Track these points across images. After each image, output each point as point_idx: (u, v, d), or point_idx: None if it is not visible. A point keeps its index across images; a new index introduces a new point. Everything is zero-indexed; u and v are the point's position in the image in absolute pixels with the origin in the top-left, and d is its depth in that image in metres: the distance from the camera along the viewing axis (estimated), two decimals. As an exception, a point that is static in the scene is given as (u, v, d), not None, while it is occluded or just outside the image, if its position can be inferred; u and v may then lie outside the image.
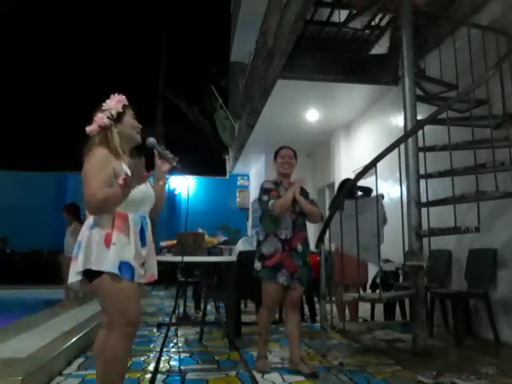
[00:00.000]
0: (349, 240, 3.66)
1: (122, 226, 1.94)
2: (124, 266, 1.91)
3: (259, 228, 3.23)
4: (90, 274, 1.92)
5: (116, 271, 1.88)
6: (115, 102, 2.12)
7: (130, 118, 2.13)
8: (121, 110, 2.10)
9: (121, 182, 1.84)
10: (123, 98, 2.16)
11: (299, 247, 3.08)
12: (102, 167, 1.94)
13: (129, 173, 1.91)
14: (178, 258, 4.30)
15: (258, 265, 3.09)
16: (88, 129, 2.09)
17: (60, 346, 3.17)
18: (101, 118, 2.07)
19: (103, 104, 2.11)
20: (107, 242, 1.91)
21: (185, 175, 2.30)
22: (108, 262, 1.89)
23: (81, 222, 5.36)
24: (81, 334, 3.65)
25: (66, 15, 15.90)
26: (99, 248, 1.91)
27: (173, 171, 2.21)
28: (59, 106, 15.04)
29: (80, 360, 3.30)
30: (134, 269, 1.94)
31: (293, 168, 3.28)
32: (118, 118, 2.09)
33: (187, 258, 4.29)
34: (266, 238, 3.10)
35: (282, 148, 3.34)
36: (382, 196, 4.28)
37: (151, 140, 2.14)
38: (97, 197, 1.87)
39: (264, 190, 3.15)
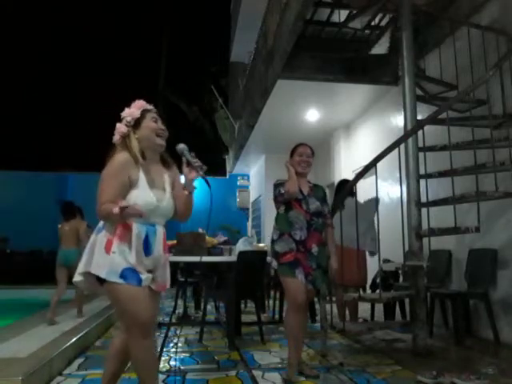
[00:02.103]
0: (348, 233, 3.70)
1: (124, 235, 1.94)
2: (127, 272, 1.92)
3: (274, 227, 3.10)
4: (99, 277, 1.94)
5: (117, 279, 1.90)
6: (132, 109, 2.12)
7: (149, 122, 2.10)
8: (138, 116, 2.10)
9: (115, 210, 1.81)
10: (142, 103, 2.15)
11: (314, 249, 2.96)
12: (115, 176, 1.96)
13: (146, 184, 1.98)
14: (177, 258, 4.31)
15: (274, 263, 3.00)
16: (113, 139, 2.11)
17: (60, 346, 3.17)
18: (119, 127, 2.09)
19: (122, 113, 2.12)
20: (107, 248, 1.93)
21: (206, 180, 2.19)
22: (106, 269, 1.90)
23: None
24: (81, 334, 3.65)
25: (67, 15, 15.89)
26: (100, 253, 1.93)
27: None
28: (59, 106, 15.05)
29: (80, 360, 3.30)
30: (140, 273, 1.94)
31: (310, 167, 3.18)
32: (135, 124, 2.09)
33: (188, 258, 4.30)
34: (280, 237, 2.99)
35: (299, 145, 3.21)
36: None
37: (180, 146, 2.09)
38: (100, 212, 1.91)
39: (275, 186, 3.08)
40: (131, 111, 2.10)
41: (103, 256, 1.92)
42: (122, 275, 1.90)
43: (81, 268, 1.96)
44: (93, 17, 15.96)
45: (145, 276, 1.96)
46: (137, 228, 1.96)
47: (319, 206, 3.06)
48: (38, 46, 15.54)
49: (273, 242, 3.04)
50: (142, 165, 2.02)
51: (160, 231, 2.07)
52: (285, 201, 3.00)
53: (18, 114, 14.98)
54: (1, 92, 13.73)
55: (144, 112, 2.11)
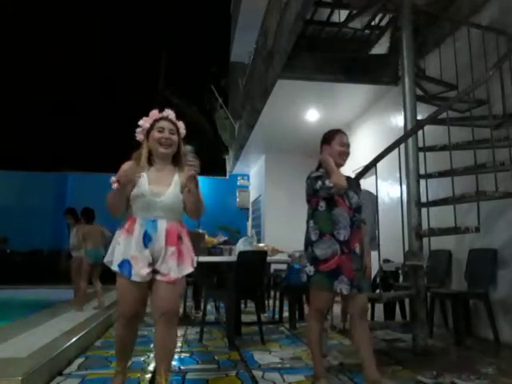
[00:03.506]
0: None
1: (130, 228, 2.24)
2: (123, 263, 2.21)
3: (311, 226, 2.71)
4: None
5: (116, 268, 2.22)
6: (145, 120, 2.37)
7: (154, 133, 2.32)
8: (147, 126, 2.36)
9: (114, 186, 2.16)
10: (154, 113, 2.38)
11: (357, 248, 2.69)
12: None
13: (146, 183, 2.26)
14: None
15: (310, 268, 2.63)
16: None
17: (60, 346, 3.17)
18: (137, 134, 2.39)
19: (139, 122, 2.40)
20: (116, 240, 2.28)
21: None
22: (111, 258, 2.25)
23: (81, 223, 5.56)
24: (81, 334, 3.65)
25: (67, 15, 15.89)
26: (113, 244, 2.29)
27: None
28: (59, 107, 15.05)
29: (80, 360, 3.30)
30: (132, 267, 2.19)
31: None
32: (147, 134, 2.36)
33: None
34: (321, 238, 2.63)
35: (338, 132, 2.84)
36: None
37: (186, 148, 2.31)
38: (108, 203, 2.24)
39: (315, 178, 2.68)
40: (144, 123, 2.37)
41: (113, 247, 2.27)
42: (120, 265, 2.21)
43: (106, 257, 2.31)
44: (93, 17, 15.97)
45: (138, 270, 2.18)
46: (139, 222, 2.24)
47: (358, 200, 2.76)
48: (38, 46, 15.54)
49: (311, 243, 2.66)
50: (147, 168, 2.31)
51: (162, 225, 2.25)
52: (329, 196, 2.64)
53: (18, 113, 14.98)
54: (1, 92, 13.73)
55: (154, 122, 2.35)
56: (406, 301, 4.59)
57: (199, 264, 4.75)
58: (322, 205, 2.68)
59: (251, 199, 12.69)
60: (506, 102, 3.76)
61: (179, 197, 2.31)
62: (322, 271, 2.58)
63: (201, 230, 4.98)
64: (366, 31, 5.47)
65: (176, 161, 2.39)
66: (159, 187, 2.27)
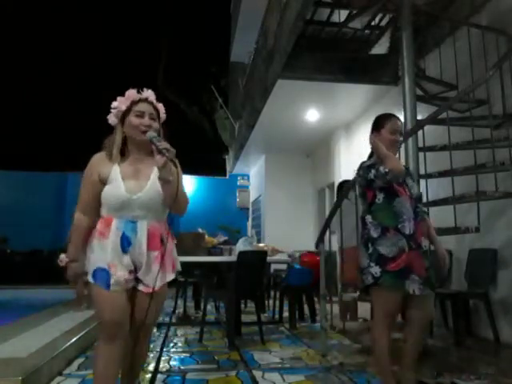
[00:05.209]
0: (348, 232, 3.70)
1: (104, 231, 1.91)
2: (98, 272, 1.88)
3: (370, 222, 2.41)
4: None
5: (91, 280, 1.89)
6: (121, 101, 2.00)
7: (132, 118, 1.96)
8: (123, 109, 1.98)
9: (60, 263, 1.91)
10: (131, 94, 2.00)
11: (424, 243, 2.42)
12: (86, 178, 1.99)
13: (118, 177, 1.92)
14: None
15: (375, 269, 2.29)
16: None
17: (60, 346, 3.17)
18: (109, 117, 2.03)
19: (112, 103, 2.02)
20: (89, 248, 1.95)
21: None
22: (86, 267, 1.93)
23: None
24: (81, 334, 3.64)
25: (66, 14, 15.89)
26: (87, 252, 1.96)
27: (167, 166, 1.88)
28: (59, 106, 15.04)
29: (80, 360, 3.30)
30: (110, 276, 1.86)
31: None
32: (122, 118, 1.99)
33: (188, 258, 4.28)
34: (384, 234, 2.33)
35: (389, 117, 2.51)
36: None
37: (149, 133, 1.92)
38: (74, 219, 1.98)
39: (368, 167, 2.39)
40: (119, 104, 1.99)
41: (87, 255, 1.95)
42: (93, 275, 1.88)
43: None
44: (92, 16, 15.96)
45: (116, 279, 1.87)
46: (115, 223, 1.90)
47: (418, 190, 2.49)
48: (38, 45, 15.54)
49: (372, 241, 2.36)
50: (121, 159, 1.96)
51: (142, 227, 1.92)
52: (386, 184, 2.34)
53: (18, 113, 14.98)
54: (1, 92, 13.73)
55: (131, 105, 1.97)
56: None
57: (199, 264, 4.77)
58: (380, 196, 2.38)
59: (251, 199, 12.69)
60: (506, 102, 3.76)
61: (160, 192, 1.93)
62: (390, 271, 2.26)
63: (201, 230, 4.97)
64: (366, 31, 5.47)
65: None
66: (135, 182, 1.93)
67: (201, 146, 13.54)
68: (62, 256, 1.92)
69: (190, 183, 12.70)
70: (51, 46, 15.66)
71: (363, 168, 2.43)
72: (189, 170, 12.84)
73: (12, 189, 12.14)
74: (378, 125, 2.49)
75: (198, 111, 14.81)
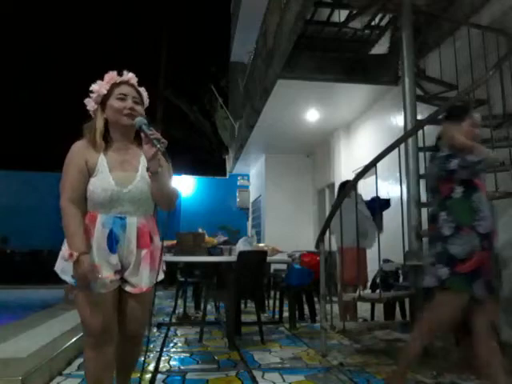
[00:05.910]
0: (349, 232, 3.71)
1: (88, 229, 1.74)
2: None
3: (443, 219, 2.21)
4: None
5: (72, 280, 1.73)
6: (100, 84, 1.84)
7: (113, 101, 1.81)
8: (104, 92, 1.83)
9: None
10: (111, 76, 1.87)
11: (497, 243, 2.27)
12: (71, 165, 1.77)
13: (105, 168, 1.75)
14: (177, 258, 4.31)
15: (443, 270, 2.14)
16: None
17: (60, 346, 3.17)
18: (88, 102, 1.86)
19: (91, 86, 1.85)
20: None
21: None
22: (61, 266, 1.77)
23: None
24: (81, 334, 3.64)
25: (66, 14, 15.90)
26: (62, 252, 1.77)
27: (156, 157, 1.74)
28: (59, 106, 15.04)
29: (80, 360, 3.29)
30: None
31: None
32: (103, 102, 1.83)
33: (188, 258, 4.29)
34: (457, 232, 2.15)
35: (471, 110, 2.46)
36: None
37: (137, 119, 1.78)
38: (62, 210, 1.72)
39: (446, 158, 2.25)
40: (99, 88, 1.83)
41: (62, 251, 1.77)
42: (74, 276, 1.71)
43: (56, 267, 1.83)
44: (93, 16, 15.97)
45: (102, 281, 1.72)
46: (101, 220, 1.74)
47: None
48: (38, 45, 15.54)
49: (443, 239, 2.18)
50: (104, 148, 1.80)
51: (132, 224, 1.78)
52: (470, 176, 2.16)
53: (18, 113, 14.98)
54: (1, 91, 13.74)
55: (112, 87, 1.83)
56: (406, 301, 4.59)
57: (199, 264, 4.77)
58: (459, 190, 2.19)
59: (251, 199, 12.69)
60: (506, 102, 3.75)
61: (149, 185, 1.80)
62: (460, 273, 2.12)
63: (201, 230, 4.97)
64: (366, 31, 5.47)
65: (140, 138, 1.81)
66: (124, 174, 1.79)
67: (201, 146, 13.56)
68: (65, 252, 1.72)
69: (190, 183, 12.72)
70: (51, 46, 15.67)
71: (439, 158, 2.25)
72: (189, 169, 12.88)
73: (12, 189, 12.14)
74: (459, 117, 2.37)
75: (198, 111, 14.82)
